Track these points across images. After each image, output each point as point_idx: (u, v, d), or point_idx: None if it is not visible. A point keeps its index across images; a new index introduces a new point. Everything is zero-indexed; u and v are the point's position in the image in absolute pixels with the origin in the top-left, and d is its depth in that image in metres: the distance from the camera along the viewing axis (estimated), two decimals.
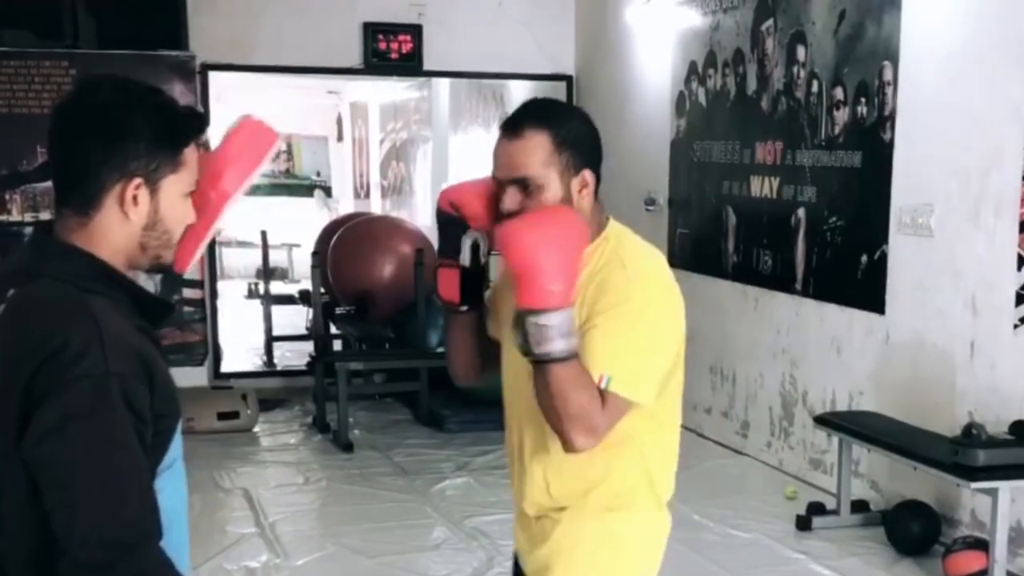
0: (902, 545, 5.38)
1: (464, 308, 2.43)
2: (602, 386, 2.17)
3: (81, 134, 1.86)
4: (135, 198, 1.87)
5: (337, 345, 9.51)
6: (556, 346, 2.11)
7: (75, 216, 1.89)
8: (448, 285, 2.39)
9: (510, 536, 5.69)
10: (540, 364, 2.13)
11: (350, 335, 9.58)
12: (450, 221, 2.40)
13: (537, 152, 2.23)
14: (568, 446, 2.18)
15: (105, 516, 1.75)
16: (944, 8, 5.51)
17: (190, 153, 1.93)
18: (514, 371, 2.38)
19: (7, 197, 7.75)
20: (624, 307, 2.23)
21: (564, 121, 2.29)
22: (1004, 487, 4.71)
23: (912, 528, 5.39)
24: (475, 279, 2.41)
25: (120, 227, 1.90)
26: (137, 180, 1.87)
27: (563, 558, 2.38)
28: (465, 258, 2.37)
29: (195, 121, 1.95)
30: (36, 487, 1.78)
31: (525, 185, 2.24)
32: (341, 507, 6.22)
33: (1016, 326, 5.07)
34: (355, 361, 8.38)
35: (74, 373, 1.75)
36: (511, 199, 2.25)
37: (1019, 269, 5.05)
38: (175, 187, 1.91)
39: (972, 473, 4.73)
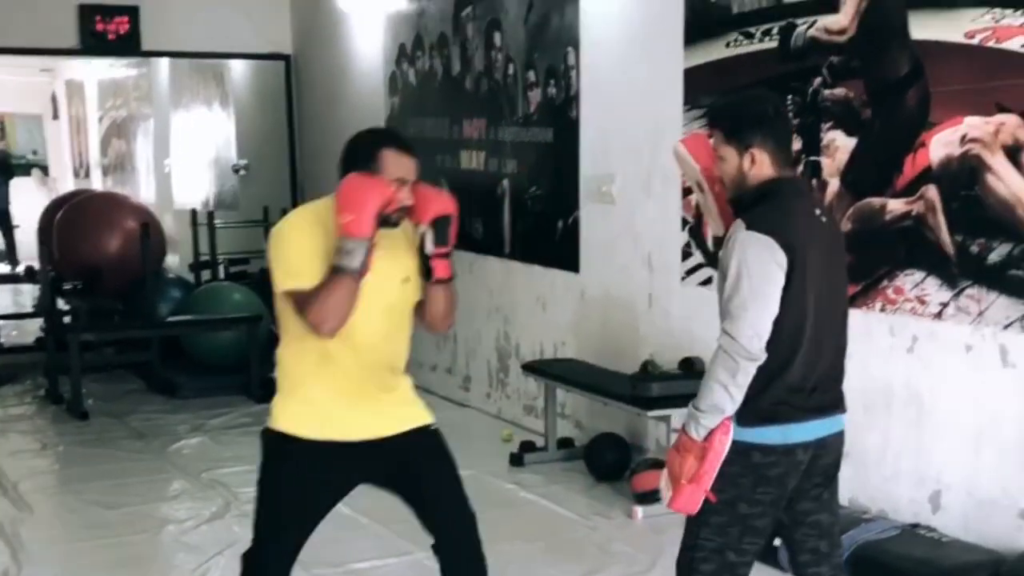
0: (600, 472, 6.04)
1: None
2: None
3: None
4: None
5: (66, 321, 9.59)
6: None
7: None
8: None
9: (246, 485, 6.13)
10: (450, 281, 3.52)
11: (79, 309, 9.68)
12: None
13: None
14: (452, 325, 3.65)
15: None
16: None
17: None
18: (385, 315, 3.45)
19: None
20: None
21: None
22: (675, 414, 5.37)
23: (607, 457, 6.05)
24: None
25: None
26: None
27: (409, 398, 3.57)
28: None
29: None
30: None
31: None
32: (80, 468, 6.49)
33: (683, 278, 5.85)
34: (88, 332, 8.50)
35: None
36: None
37: (683, 230, 5.82)
38: None
39: (648, 403, 5.49)
